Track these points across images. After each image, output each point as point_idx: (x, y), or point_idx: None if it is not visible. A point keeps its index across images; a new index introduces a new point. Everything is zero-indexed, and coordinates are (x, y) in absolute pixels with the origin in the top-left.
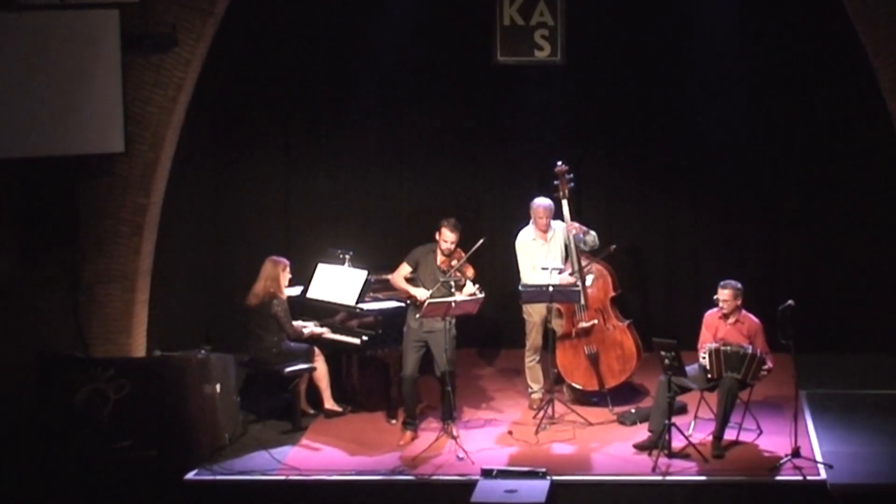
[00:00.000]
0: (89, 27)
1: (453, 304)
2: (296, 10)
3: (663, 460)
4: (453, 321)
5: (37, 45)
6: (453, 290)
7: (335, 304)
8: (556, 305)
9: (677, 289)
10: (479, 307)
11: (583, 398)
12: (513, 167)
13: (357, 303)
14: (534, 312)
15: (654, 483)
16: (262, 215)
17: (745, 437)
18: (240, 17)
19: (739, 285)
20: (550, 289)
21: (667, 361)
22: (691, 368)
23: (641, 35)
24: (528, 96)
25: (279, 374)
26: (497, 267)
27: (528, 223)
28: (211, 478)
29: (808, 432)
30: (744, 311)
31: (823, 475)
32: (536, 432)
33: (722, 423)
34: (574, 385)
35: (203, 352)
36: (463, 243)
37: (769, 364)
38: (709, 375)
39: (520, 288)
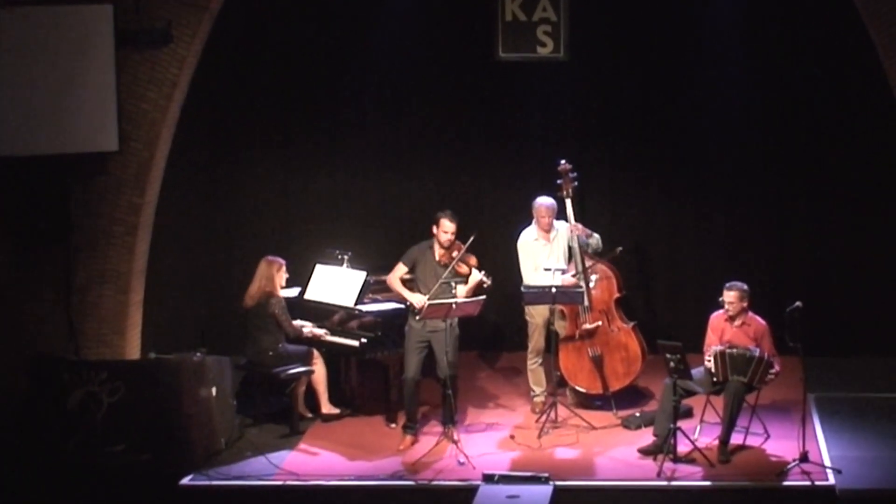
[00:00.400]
0: (83, 23)
1: (454, 305)
2: (293, 6)
3: (668, 465)
4: (456, 319)
5: (29, 41)
6: (454, 290)
7: (334, 305)
8: (559, 307)
9: (682, 290)
10: (480, 308)
11: (586, 401)
12: (515, 166)
13: (356, 304)
14: (536, 314)
15: (659, 488)
16: (259, 215)
17: (752, 441)
18: (236, 12)
19: (745, 287)
20: (553, 290)
21: (672, 364)
22: (697, 371)
23: (646, 31)
24: (531, 94)
25: (277, 378)
26: (499, 267)
27: (530, 223)
28: (206, 483)
29: (816, 436)
30: (750, 313)
31: (832, 480)
32: (539, 436)
33: (728, 427)
34: (577, 388)
35: (199, 354)
36: (463, 242)
37: (777, 367)
38: (714, 379)
39: (522, 289)
